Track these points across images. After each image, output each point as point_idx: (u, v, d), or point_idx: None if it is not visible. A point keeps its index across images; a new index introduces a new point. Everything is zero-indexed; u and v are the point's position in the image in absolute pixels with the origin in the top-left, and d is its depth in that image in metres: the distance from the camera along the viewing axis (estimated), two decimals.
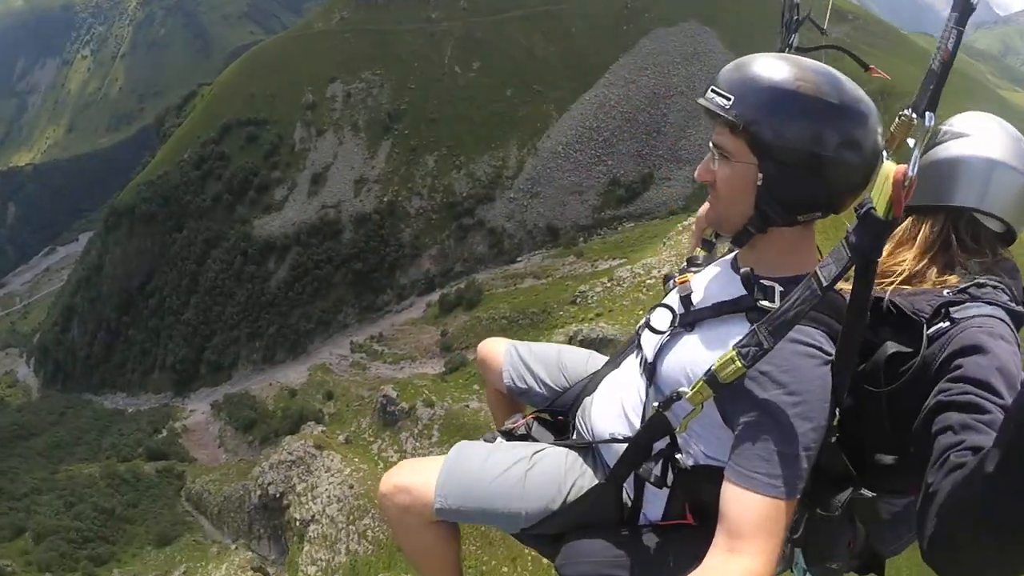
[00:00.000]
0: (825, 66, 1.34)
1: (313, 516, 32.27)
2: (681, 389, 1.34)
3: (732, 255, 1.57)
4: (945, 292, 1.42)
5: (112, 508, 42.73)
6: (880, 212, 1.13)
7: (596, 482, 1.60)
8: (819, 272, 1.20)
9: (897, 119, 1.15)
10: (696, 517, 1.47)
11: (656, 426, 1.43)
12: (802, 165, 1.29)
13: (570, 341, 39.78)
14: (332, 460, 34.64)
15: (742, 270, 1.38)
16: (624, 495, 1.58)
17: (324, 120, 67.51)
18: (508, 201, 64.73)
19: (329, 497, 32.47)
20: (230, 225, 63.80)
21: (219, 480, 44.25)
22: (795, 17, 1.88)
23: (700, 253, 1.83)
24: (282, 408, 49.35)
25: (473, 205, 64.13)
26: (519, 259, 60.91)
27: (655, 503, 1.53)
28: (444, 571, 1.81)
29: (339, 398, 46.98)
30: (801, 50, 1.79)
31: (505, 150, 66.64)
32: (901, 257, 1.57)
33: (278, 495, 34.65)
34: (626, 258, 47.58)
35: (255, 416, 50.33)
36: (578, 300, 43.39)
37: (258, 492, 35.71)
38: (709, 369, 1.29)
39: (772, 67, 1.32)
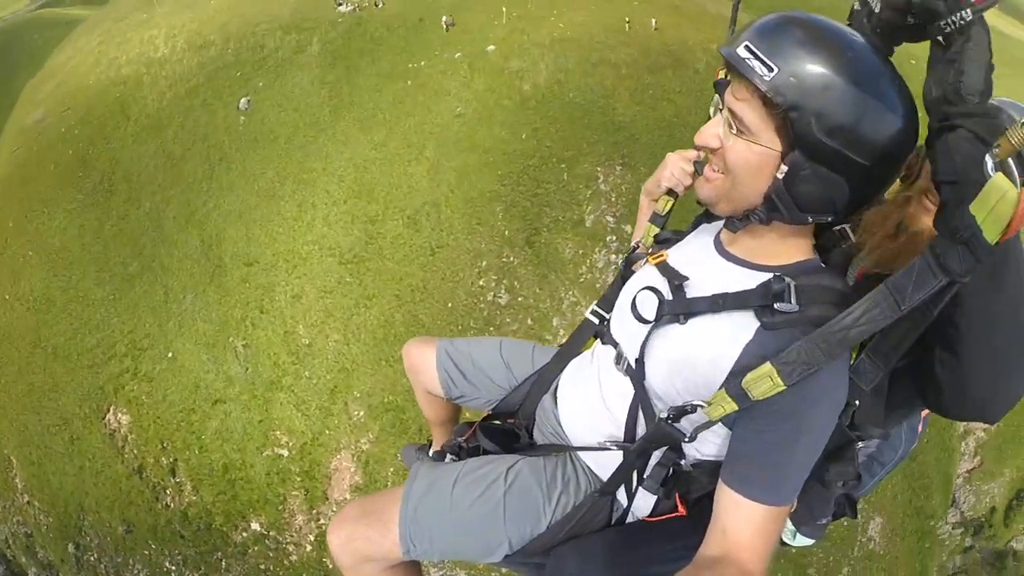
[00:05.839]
0: (880, 54, 1.10)
1: None
2: (695, 402, 1.23)
3: (710, 231, 1.41)
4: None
5: None
6: (990, 237, 0.94)
7: (583, 492, 1.50)
8: (892, 290, 1.03)
9: (1022, 126, 0.95)
10: (686, 507, 1.41)
11: (662, 435, 1.32)
12: (834, 168, 1.10)
13: None
14: None
15: (775, 284, 1.18)
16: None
17: None
18: None
19: None
20: None
21: None
22: None
23: (656, 230, 1.60)
24: None
25: None
26: None
27: (645, 500, 1.45)
28: None
29: None
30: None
31: None
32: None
33: None
34: None
35: None
36: None
37: None
38: (739, 384, 1.13)
39: (830, 44, 1.08)
